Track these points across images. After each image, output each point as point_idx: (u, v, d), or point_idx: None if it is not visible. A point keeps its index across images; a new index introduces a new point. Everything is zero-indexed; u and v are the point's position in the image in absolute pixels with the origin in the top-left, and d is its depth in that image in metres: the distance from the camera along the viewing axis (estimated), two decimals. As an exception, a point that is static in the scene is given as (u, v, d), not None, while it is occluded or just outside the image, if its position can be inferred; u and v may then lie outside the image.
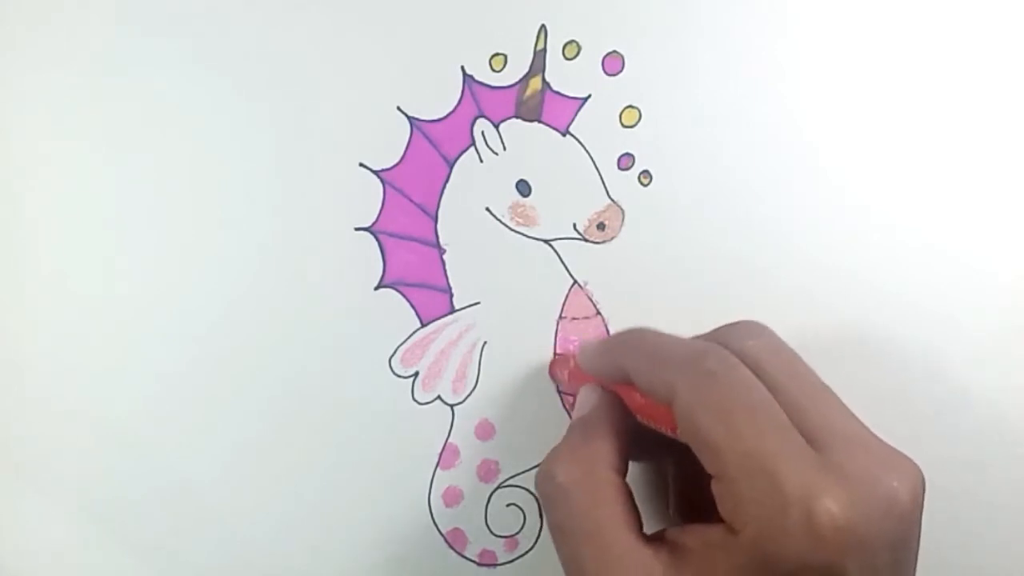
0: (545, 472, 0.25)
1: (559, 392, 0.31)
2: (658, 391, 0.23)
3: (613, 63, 0.29)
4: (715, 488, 0.22)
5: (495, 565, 0.32)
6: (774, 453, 0.21)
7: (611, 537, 0.23)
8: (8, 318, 0.29)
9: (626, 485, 0.24)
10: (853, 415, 0.23)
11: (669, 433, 0.24)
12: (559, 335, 0.31)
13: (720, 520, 0.21)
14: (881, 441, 0.22)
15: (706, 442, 0.22)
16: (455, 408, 0.31)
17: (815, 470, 0.20)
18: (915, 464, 0.22)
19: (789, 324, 0.31)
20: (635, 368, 0.25)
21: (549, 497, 0.24)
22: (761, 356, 0.24)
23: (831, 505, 0.20)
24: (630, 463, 0.27)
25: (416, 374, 0.30)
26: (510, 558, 0.32)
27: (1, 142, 0.28)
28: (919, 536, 0.22)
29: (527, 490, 0.31)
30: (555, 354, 0.31)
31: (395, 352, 0.30)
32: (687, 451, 0.23)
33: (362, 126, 0.29)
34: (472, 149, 0.29)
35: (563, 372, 0.30)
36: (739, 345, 0.24)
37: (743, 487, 0.21)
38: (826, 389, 0.24)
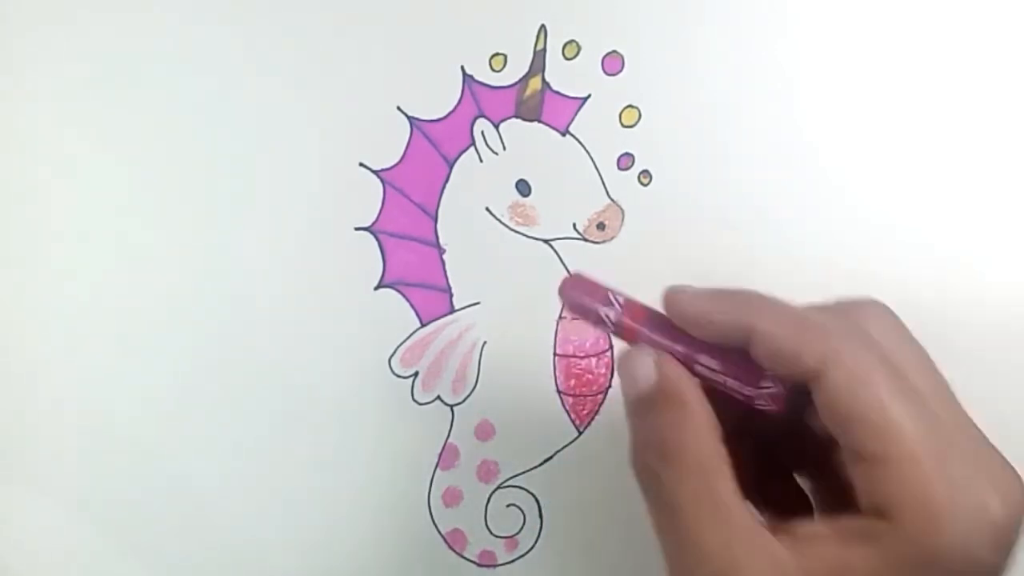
0: (650, 446, 0.22)
1: (559, 392, 0.31)
2: (806, 357, 0.21)
3: (613, 63, 0.29)
4: (866, 471, 0.20)
5: (495, 565, 0.32)
6: (949, 440, 0.19)
7: (734, 514, 0.20)
8: (9, 319, 0.29)
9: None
10: None
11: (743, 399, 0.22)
12: (559, 335, 0.31)
13: (847, 510, 0.20)
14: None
15: (877, 418, 0.20)
16: (455, 408, 0.31)
17: (985, 461, 0.20)
18: None
19: (789, 324, 0.31)
20: (773, 329, 0.21)
21: (656, 473, 0.22)
22: (899, 338, 0.23)
23: (1005, 496, 0.19)
24: None
25: (416, 374, 0.30)
26: (510, 558, 0.32)
27: (3, 144, 0.28)
28: None
29: (527, 490, 0.31)
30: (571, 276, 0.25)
31: (395, 352, 0.30)
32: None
33: (362, 126, 0.29)
34: (472, 149, 0.29)
35: (609, 311, 0.24)
36: (873, 324, 0.22)
37: (913, 472, 0.19)
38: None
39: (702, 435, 0.21)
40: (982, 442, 0.21)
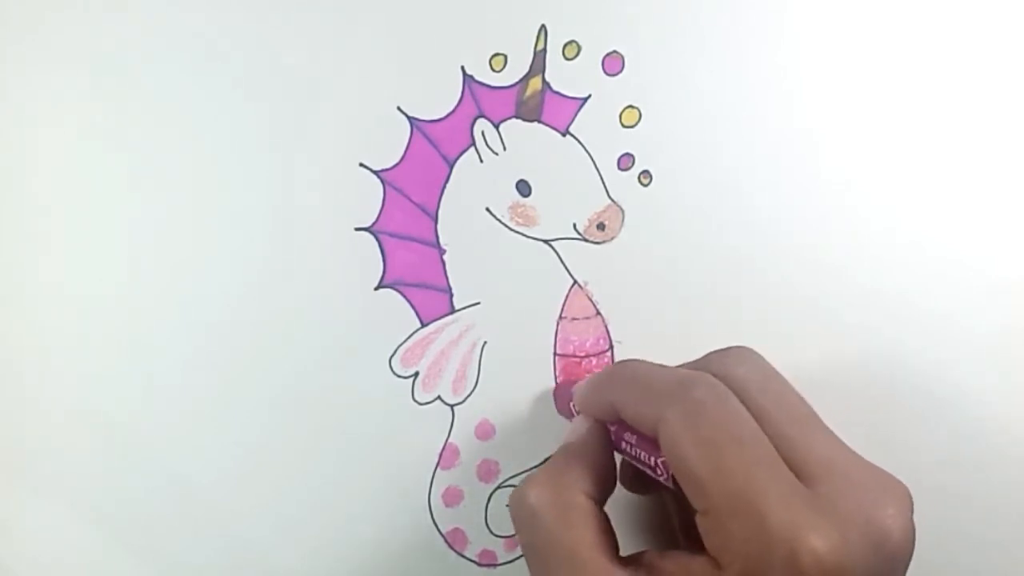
0: (518, 494, 0.24)
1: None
2: (645, 422, 0.23)
3: (613, 63, 0.29)
4: (700, 522, 0.21)
5: (495, 565, 0.32)
6: (761, 490, 0.20)
7: (584, 559, 0.22)
8: (9, 318, 0.29)
9: (601, 511, 0.24)
10: (842, 443, 0.23)
11: (652, 474, 0.24)
12: (559, 335, 0.31)
13: (705, 551, 0.21)
14: (870, 467, 0.22)
15: (692, 476, 0.21)
16: (455, 408, 0.31)
17: (803, 508, 0.20)
18: (905, 488, 0.22)
19: (788, 325, 0.31)
20: (622, 400, 0.24)
21: (520, 519, 0.24)
22: (750, 385, 0.23)
23: (818, 545, 0.19)
24: (638, 496, 0.27)
25: (416, 374, 0.30)
26: (510, 558, 0.32)
27: (2, 143, 0.28)
28: (908, 566, 0.22)
29: (527, 490, 0.31)
30: (559, 384, 0.31)
31: (395, 352, 0.30)
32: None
33: (362, 126, 0.29)
34: (472, 149, 0.29)
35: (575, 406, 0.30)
36: (728, 373, 0.24)
37: (729, 524, 0.20)
38: (815, 418, 0.24)
39: (566, 489, 0.24)
40: (851, 472, 0.22)
